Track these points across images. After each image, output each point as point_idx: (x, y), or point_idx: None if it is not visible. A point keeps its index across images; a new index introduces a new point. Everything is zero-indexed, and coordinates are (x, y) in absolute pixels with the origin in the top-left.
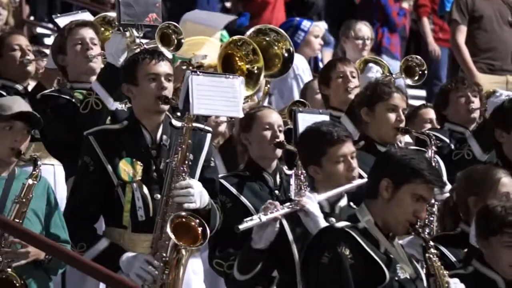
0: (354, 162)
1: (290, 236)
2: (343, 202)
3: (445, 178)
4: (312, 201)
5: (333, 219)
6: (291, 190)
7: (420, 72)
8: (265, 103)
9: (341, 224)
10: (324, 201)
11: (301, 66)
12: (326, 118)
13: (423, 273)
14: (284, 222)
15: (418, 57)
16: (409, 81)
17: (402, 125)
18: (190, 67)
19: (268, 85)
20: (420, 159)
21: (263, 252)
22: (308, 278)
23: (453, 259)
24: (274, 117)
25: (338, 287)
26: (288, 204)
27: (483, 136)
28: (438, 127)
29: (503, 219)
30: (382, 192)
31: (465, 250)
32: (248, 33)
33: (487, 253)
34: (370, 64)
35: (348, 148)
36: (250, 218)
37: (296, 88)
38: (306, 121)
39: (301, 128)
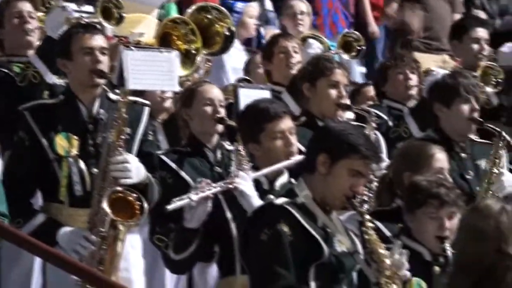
0: (293, 138)
1: (228, 214)
2: (284, 178)
3: (385, 154)
4: (245, 180)
5: (271, 196)
6: (232, 165)
7: (358, 48)
8: None
9: (280, 200)
10: (263, 178)
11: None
12: (267, 93)
13: (360, 246)
14: (222, 199)
15: (356, 32)
16: (346, 57)
17: (343, 101)
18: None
19: (209, 63)
20: (358, 134)
21: (197, 231)
22: (247, 256)
23: (388, 234)
24: (215, 92)
25: (278, 264)
26: (220, 183)
27: (420, 114)
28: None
29: (428, 190)
30: (319, 167)
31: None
32: (189, 10)
33: (414, 227)
34: (311, 40)
35: (285, 124)
36: (180, 197)
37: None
38: (248, 97)
39: (243, 103)
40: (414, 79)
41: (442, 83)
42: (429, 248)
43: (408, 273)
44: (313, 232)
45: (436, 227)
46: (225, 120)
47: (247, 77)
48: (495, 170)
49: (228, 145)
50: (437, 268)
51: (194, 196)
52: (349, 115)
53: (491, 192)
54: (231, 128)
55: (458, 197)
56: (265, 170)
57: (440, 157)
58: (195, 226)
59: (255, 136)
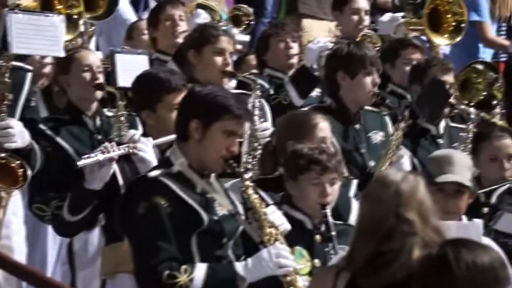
0: None
1: (120, 180)
2: None
3: (269, 122)
4: (146, 146)
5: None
6: (112, 132)
7: (247, 22)
8: (91, 46)
9: (154, 172)
10: (155, 149)
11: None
12: (145, 59)
13: (241, 207)
14: (115, 165)
15: (245, 6)
16: (235, 30)
17: (229, 68)
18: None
19: (93, 27)
20: (226, 94)
21: (96, 193)
22: (126, 230)
23: (270, 202)
24: (93, 58)
25: (158, 237)
26: (124, 146)
27: (301, 81)
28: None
29: (310, 156)
30: (193, 134)
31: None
32: None
33: (296, 194)
34: (199, 10)
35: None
36: (88, 155)
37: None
38: (125, 62)
39: (120, 69)
40: (295, 47)
41: (349, 53)
42: (310, 217)
43: (288, 226)
44: (190, 201)
45: (318, 193)
46: (104, 86)
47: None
48: (394, 152)
49: (107, 112)
50: (318, 237)
51: (101, 156)
52: (234, 82)
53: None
54: (111, 94)
55: (339, 164)
56: (164, 139)
57: (323, 126)
58: (97, 187)
59: (151, 104)
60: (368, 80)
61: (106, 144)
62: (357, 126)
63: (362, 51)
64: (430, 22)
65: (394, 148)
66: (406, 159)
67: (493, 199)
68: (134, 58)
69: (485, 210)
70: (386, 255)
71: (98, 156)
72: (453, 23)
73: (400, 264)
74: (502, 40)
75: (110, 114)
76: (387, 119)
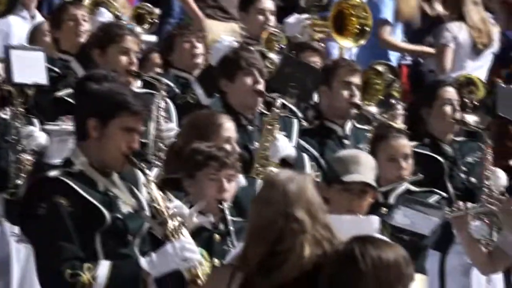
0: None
1: None
2: None
3: (175, 122)
4: None
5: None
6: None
7: (151, 21)
8: None
9: (54, 172)
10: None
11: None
12: (41, 55)
13: (146, 203)
14: None
15: (149, 5)
16: (139, 29)
17: (134, 68)
18: None
19: None
20: (123, 91)
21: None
22: (27, 231)
23: (176, 201)
24: None
25: (59, 237)
26: None
27: (207, 81)
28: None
29: (208, 153)
30: (91, 132)
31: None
32: None
33: (194, 191)
34: (102, 9)
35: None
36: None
37: None
38: (20, 58)
39: (16, 65)
40: (200, 47)
41: (225, 59)
42: (208, 217)
43: (195, 219)
44: (92, 200)
45: (216, 189)
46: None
47: None
48: (271, 136)
49: (2, 114)
50: (217, 236)
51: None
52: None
53: (267, 156)
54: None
55: (237, 161)
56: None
57: (228, 126)
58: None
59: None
60: (248, 80)
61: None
62: (250, 127)
63: (236, 54)
64: (335, 24)
65: (267, 130)
66: (281, 142)
67: (391, 199)
68: (30, 54)
69: (383, 210)
70: (278, 256)
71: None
72: (358, 26)
73: (292, 263)
74: (399, 42)
75: (4, 116)
76: (293, 121)
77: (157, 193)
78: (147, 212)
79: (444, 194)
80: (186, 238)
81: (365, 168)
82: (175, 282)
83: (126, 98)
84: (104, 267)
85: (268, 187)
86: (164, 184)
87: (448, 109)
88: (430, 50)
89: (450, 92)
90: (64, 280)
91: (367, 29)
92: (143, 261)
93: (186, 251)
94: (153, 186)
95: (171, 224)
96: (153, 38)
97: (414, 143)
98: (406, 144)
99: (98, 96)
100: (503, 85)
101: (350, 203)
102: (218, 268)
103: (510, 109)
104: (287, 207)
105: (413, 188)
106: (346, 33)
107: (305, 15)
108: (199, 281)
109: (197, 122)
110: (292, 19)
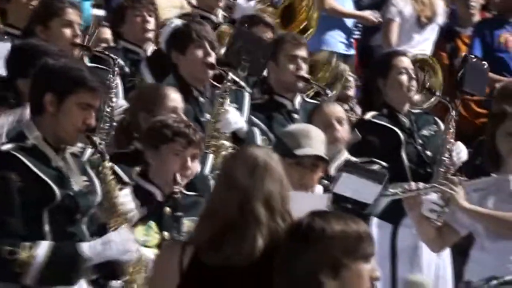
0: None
1: None
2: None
3: (122, 99)
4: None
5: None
6: None
7: None
8: None
9: (7, 146)
10: None
11: None
12: (7, 45)
13: (98, 184)
14: None
15: None
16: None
17: (78, 40)
18: None
19: None
20: (80, 67)
21: None
22: None
23: (124, 176)
24: None
25: (3, 211)
26: None
27: (156, 65)
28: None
29: (177, 128)
30: (48, 107)
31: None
32: None
33: (155, 164)
34: None
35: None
36: None
37: None
38: None
39: None
40: (151, 22)
41: (176, 32)
42: (161, 189)
43: (136, 214)
44: (43, 176)
45: (179, 165)
46: None
47: None
48: (222, 109)
49: None
50: (167, 209)
51: None
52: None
53: (217, 129)
54: None
55: (202, 140)
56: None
57: (175, 97)
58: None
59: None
60: (199, 52)
61: None
62: (201, 99)
63: (188, 27)
64: (283, 15)
65: (218, 103)
66: (232, 115)
67: (331, 170)
68: None
69: (325, 182)
70: (230, 240)
71: None
72: (301, 27)
73: (243, 252)
74: (344, 9)
75: None
76: (245, 94)
77: (110, 179)
78: (98, 193)
79: (384, 164)
80: (130, 232)
81: (316, 141)
82: (112, 269)
83: (83, 74)
84: (43, 247)
85: (236, 165)
86: (114, 159)
87: (404, 78)
88: (372, 17)
89: (405, 62)
90: (2, 256)
91: (308, 32)
92: (85, 246)
93: (129, 244)
94: (108, 171)
95: (117, 213)
96: (101, 12)
97: (372, 113)
98: (339, 110)
99: (55, 72)
100: (474, 60)
101: (302, 177)
102: (170, 242)
103: (476, 85)
104: (245, 197)
105: (353, 158)
106: (290, 28)
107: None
108: (133, 277)
109: (142, 95)
110: (243, 1)
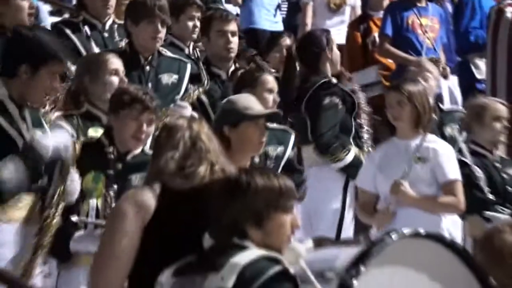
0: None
1: None
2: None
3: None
4: None
5: None
6: None
7: None
8: None
9: None
10: None
11: None
12: None
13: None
14: None
15: None
16: None
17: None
18: None
19: None
20: (50, 40)
21: None
22: None
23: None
24: None
25: None
26: None
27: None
28: None
29: (135, 95)
30: (21, 75)
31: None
32: None
33: (116, 126)
34: None
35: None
36: None
37: None
38: None
39: None
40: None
41: (132, 3)
42: (118, 149)
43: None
44: (6, 127)
45: (135, 128)
46: None
47: None
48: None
49: None
50: (119, 165)
51: None
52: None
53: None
54: None
55: (158, 107)
56: None
57: (114, 61)
58: None
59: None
60: (150, 28)
61: None
62: (147, 68)
63: (145, 1)
64: None
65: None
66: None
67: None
68: None
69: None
70: (189, 167)
71: None
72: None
73: (197, 179)
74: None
75: None
76: (187, 66)
77: None
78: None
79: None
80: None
81: (257, 104)
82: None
83: (56, 47)
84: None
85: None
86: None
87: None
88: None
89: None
90: None
91: None
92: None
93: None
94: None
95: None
96: None
97: None
98: (271, 79)
99: (31, 44)
100: None
101: (260, 136)
102: (136, 187)
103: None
104: (193, 134)
105: (271, 125)
106: None
107: None
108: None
109: (86, 60)
110: None
